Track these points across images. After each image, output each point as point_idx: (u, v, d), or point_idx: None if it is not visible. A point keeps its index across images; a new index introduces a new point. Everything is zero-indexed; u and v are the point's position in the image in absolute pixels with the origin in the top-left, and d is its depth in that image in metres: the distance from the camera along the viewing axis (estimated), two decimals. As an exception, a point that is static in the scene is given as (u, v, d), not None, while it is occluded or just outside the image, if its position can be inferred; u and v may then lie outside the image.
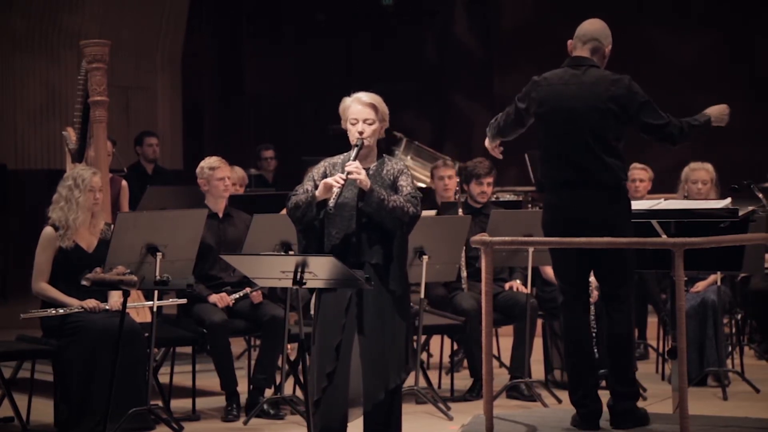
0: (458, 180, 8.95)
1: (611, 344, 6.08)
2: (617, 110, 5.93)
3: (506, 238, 6.44)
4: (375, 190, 5.49)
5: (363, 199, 5.51)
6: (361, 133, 5.59)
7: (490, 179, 8.30)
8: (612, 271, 6.02)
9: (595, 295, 6.75)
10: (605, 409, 6.10)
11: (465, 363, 8.48)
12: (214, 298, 7.51)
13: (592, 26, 6.12)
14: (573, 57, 6.08)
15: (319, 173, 5.69)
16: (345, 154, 5.69)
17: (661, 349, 8.73)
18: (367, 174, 5.57)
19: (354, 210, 5.54)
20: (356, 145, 5.58)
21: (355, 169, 5.48)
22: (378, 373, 5.51)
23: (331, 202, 5.44)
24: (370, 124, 5.61)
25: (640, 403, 6.15)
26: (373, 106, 5.63)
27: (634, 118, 5.96)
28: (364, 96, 5.65)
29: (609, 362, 6.09)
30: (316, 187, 5.60)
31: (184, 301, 7.39)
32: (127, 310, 6.29)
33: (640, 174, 8.98)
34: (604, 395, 6.14)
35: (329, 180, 5.51)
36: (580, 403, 6.08)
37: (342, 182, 5.46)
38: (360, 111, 5.61)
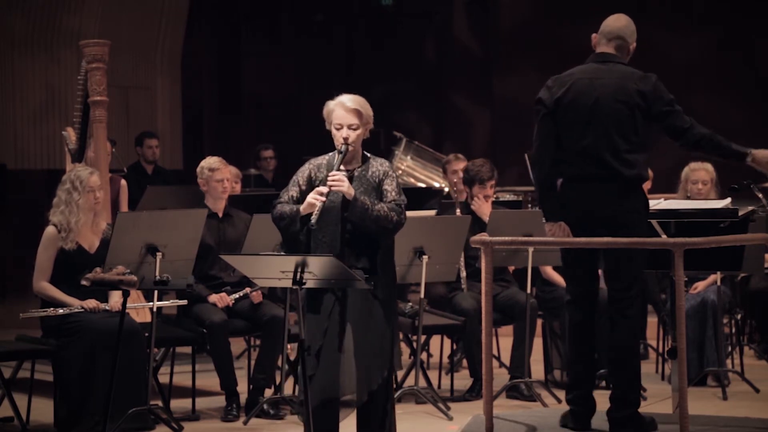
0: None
1: (614, 353, 5.99)
2: (644, 106, 5.88)
3: (506, 238, 6.43)
4: (358, 199, 5.44)
5: (347, 207, 5.46)
6: (346, 138, 5.53)
7: (492, 182, 8.26)
8: (619, 271, 5.96)
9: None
10: (598, 409, 6.08)
11: (465, 363, 8.47)
12: (213, 298, 7.51)
13: (618, 23, 6.08)
14: (598, 53, 6.03)
15: (304, 177, 5.64)
16: (330, 154, 5.64)
17: (661, 349, 8.72)
18: (353, 176, 5.55)
19: (339, 214, 5.50)
20: (340, 151, 5.53)
21: (337, 181, 5.42)
22: (362, 375, 5.47)
23: (314, 218, 5.38)
24: (354, 129, 5.54)
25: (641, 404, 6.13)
26: (358, 112, 5.55)
27: (658, 117, 5.91)
28: (348, 101, 5.56)
29: (610, 370, 6.00)
30: (300, 191, 5.58)
31: (184, 302, 7.38)
32: (127, 310, 6.29)
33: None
34: (602, 395, 6.13)
35: (310, 198, 5.45)
36: (574, 401, 6.07)
37: (324, 199, 5.40)
38: (344, 116, 5.54)
